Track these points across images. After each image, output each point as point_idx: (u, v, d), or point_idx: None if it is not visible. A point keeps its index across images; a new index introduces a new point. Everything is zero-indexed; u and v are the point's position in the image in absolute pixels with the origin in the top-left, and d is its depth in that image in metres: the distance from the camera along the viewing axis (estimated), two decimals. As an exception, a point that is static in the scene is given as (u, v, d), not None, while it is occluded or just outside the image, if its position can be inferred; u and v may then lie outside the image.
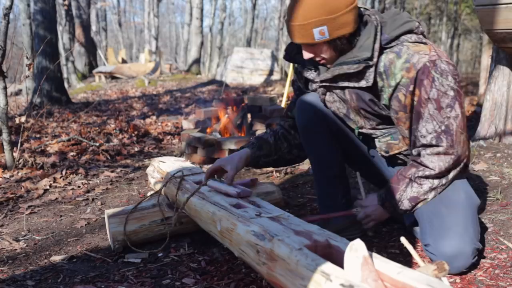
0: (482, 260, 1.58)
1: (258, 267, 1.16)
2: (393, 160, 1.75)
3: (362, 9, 1.56)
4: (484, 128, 3.34)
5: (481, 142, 3.23)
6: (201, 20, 15.88)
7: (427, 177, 1.49)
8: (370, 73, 1.50)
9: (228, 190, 1.60)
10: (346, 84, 1.57)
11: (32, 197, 2.78)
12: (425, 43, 1.49)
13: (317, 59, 1.56)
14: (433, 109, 1.43)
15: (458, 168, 1.50)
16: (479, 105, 5.53)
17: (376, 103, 1.58)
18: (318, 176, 1.84)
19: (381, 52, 1.50)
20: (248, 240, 1.21)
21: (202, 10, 15.85)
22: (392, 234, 1.91)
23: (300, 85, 1.87)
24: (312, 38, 1.46)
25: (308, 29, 1.45)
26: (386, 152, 1.69)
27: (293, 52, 1.72)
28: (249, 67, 12.59)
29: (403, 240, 1.02)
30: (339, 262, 0.92)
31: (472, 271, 1.51)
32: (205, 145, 3.52)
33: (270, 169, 3.25)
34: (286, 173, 3.08)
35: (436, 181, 1.49)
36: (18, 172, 3.25)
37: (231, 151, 3.46)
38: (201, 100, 8.75)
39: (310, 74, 1.71)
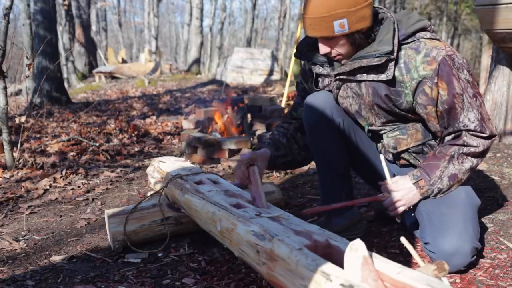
0: (482, 260, 1.59)
1: (258, 267, 1.16)
2: (398, 160, 1.74)
3: (376, 7, 1.59)
4: (484, 128, 3.34)
5: (481, 142, 3.23)
6: (201, 20, 15.88)
7: (471, 154, 1.50)
8: (391, 67, 1.52)
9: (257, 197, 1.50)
10: (365, 77, 1.58)
11: (32, 197, 2.78)
12: (439, 40, 1.54)
13: (333, 54, 1.57)
14: (469, 99, 1.48)
15: (487, 149, 1.54)
16: (479, 105, 5.52)
17: (392, 99, 1.58)
18: (323, 175, 1.83)
19: (399, 48, 1.53)
20: (248, 240, 1.21)
21: (202, 10, 15.85)
22: (392, 234, 1.91)
23: (307, 85, 1.86)
24: (332, 31, 1.48)
25: (328, 21, 1.46)
26: (394, 148, 1.68)
27: (304, 50, 1.73)
28: (249, 67, 12.59)
29: (403, 240, 1.02)
30: (339, 262, 0.92)
31: (472, 271, 1.51)
32: (205, 145, 3.52)
33: (270, 169, 3.25)
34: (286, 173, 3.08)
35: (475, 160, 1.51)
36: (18, 172, 3.25)
37: (231, 151, 3.47)
38: (201, 100, 8.75)
39: (323, 70, 1.71)
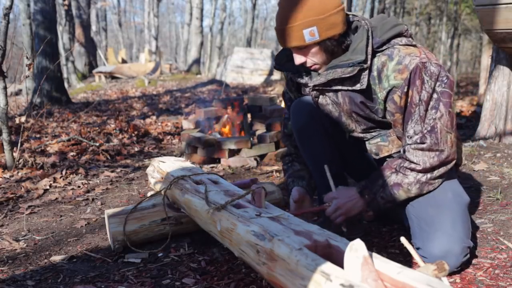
0: (482, 260, 1.59)
1: (258, 267, 1.16)
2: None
3: (351, 15, 1.57)
4: (484, 128, 3.34)
5: (481, 142, 3.23)
6: (201, 20, 15.88)
7: (412, 170, 1.48)
8: (364, 76, 1.51)
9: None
10: (339, 87, 1.57)
11: (32, 197, 2.78)
12: (415, 46, 1.52)
13: (309, 64, 1.56)
14: (422, 111, 1.46)
15: (445, 167, 1.49)
16: (479, 105, 5.52)
17: (368, 106, 1.59)
18: (317, 177, 1.85)
19: (373, 56, 1.51)
20: (248, 240, 1.21)
21: (202, 10, 15.85)
22: (392, 234, 1.91)
23: (292, 95, 1.87)
24: (302, 40, 1.47)
25: (298, 30, 1.46)
26: (376, 154, 1.71)
27: (282, 61, 1.72)
28: (249, 67, 12.59)
29: (403, 240, 1.02)
30: (339, 262, 0.92)
31: (472, 271, 1.51)
32: (205, 145, 3.52)
33: (270, 169, 3.25)
34: (286, 173, 3.08)
35: (420, 175, 1.49)
36: (18, 172, 3.25)
37: (231, 151, 3.47)
38: (201, 100, 8.75)
39: (302, 80, 1.70)
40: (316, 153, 1.78)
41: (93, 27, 19.04)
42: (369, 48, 1.49)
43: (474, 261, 1.59)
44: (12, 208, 2.59)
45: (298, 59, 1.55)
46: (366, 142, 1.73)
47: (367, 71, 1.50)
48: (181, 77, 13.77)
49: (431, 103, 1.45)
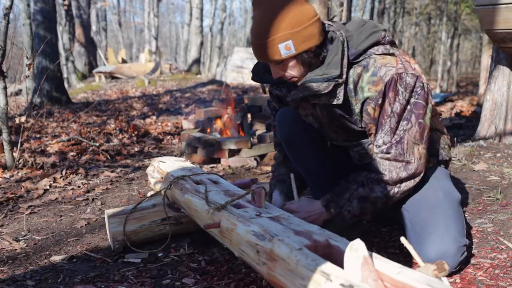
0: (482, 260, 1.59)
1: (258, 267, 1.16)
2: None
3: (326, 24, 1.55)
4: (484, 128, 3.34)
5: (481, 142, 3.23)
6: (201, 20, 15.88)
7: (378, 181, 1.47)
8: (340, 91, 1.49)
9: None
10: (316, 101, 1.55)
11: (32, 197, 2.78)
12: (392, 54, 1.49)
13: (287, 77, 1.53)
14: (394, 122, 1.45)
15: (413, 181, 1.48)
16: (479, 105, 5.53)
17: (347, 118, 1.58)
18: (310, 183, 1.85)
19: (349, 67, 1.49)
20: (248, 240, 1.21)
21: (202, 10, 15.85)
22: (392, 234, 1.91)
23: (275, 104, 1.87)
24: (279, 54, 1.44)
25: (273, 45, 1.43)
26: (359, 161, 1.71)
27: (260, 72, 1.69)
28: (249, 67, 12.57)
29: (403, 240, 1.02)
30: (339, 262, 0.92)
31: (472, 271, 1.51)
32: (205, 145, 3.52)
33: (270, 169, 3.25)
34: (286, 173, 3.08)
35: (388, 189, 1.47)
36: (18, 172, 3.25)
37: (231, 151, 3.47)
38: (201, 100, 8.75)
39: (280, 92, 1.67)
40: (305, 162, 1.79)
41: (93, 27, 19.04)
42: (345, 61, 1.46)
43: (474, 261, 1.59)
44: (12, 208, 2.59)
45: (276, 73, 1.52)
46: (350, 150, 1.74)
47: (342, 86, 1.48)
48: (181, 77, 13.77)
49: (404, 114, 1.44)
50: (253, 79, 1.73)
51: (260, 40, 1.45)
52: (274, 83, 1.67)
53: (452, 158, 2.88)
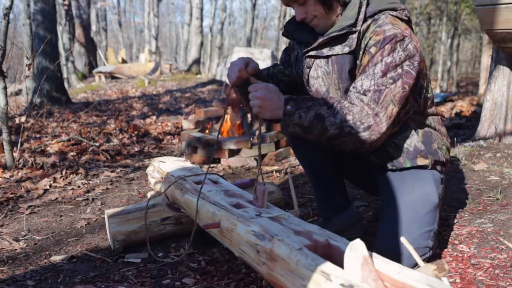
0: (482, 260, 1.59)
1: (258, 267, 1.16)
2: (367, 164, 1.72)
3: None
4: (484, 128, 3.34)
5: (481, 142, 3.23)
6: (201, 20, 15.88)
7: (344, 111, 1.41)
8: (353, 39, 1.50)
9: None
10: (331, 51, 1.55)
11: (32, 197, 2.78)
12: (405, 22, 1.51)
13: (309, 19, 1.57)
14: (378, 70, 1.41)
15: (368, 133, 1.41)
16: (479, 105, 5.53)
17: (355, 75, 1.55)
18: (313, 180, 1.86)
19: (364, 22, 1.52)
20: (248, 240, 1.21)
21: (202, 10, 15.84)
22: (392, 234, 1.90)
23: (289, 58, 1.85)
24: None
25: None
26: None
27: (291, 29, 1.74)
28: (249, 67, 12.57)
29: (403, 240, 1.02)
30: (339, 262, 0.92)
31: (472, 271, 1.52)
32: (205, 145, 3.52)
33: (270, 169, 3.25)
34: (286, 173, 3.08)
35: (346, 124, 1.41)
36: (18, 172, 3.25)
37: (231, 151, 3.47)
38: (201, 100, 8.75)
39: (300, 50, 1.72)
40: (309, 156, 1.79)
41: (93, 27, 19.04)
42: (361, 16, 1.50)
43: (474, 261, 1.59)
44: (12, 208, 2.59)
45: (299, 14, 1.57)
46: None
47: (356, 34, 1.50)
48: (181, 77, 13.77)
49: (391, 73, 1.41)
50: (283, 34, 1.78)
51: None
52: (301, 42, 1.71)
53: (452, 158, 2.88)
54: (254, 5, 22.93)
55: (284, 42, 19.23)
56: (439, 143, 1.62)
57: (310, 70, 1.65)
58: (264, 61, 12.71)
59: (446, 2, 15.78)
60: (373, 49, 1.44)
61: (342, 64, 1.55)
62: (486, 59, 6.02)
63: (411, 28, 1.54)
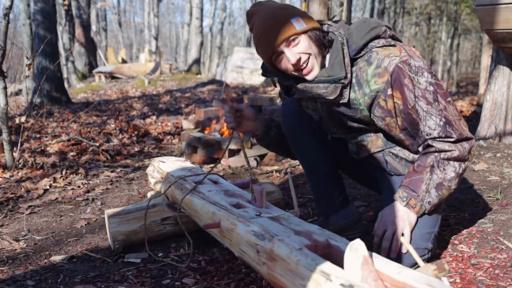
0: (482, 260, 1.59)
1: (258, 267, 1.16)
2: (366, 163, 1.75)
3: (326, 25, 1.56)
4: (484, 128, 3.34)
5: (481, 142, 3.23)
6: (201, 20, 15.88)
7: (451, 158, 1.43)
8: (346, 91, 1.51)
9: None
10: (322, 100, 1.57)
11: (32, 197, 2.78)
12: (393, 45, 1.48)
13: (303, 60, 1.50)
14: (424, 106, 1.42)
15: (471, 148, 1.46)
16: (479, 105, 5.53)
17: (346, 115, 1.58)
18: (311, 177, 1.84)
19: (352, 65, 1.50)
20: (248, 240, 1.21)
21: (202, 10, 15.85)
22: (392, 234, 1.90)
23: (285, 96, 1.86)
24: (294, 28, 1.47)
25: (286, 21, 1.47)
26: (357, 154, 1.70)
27: (268, 68, 1.68)
28: (249, 67, 12.58)
29: (403, 240, 1.02)
30: (339, 262, 0.92)
31: (472, 271, 1.52)
32: (205, 145, 3.52)
33: (270, 169, 3.25)
34: (286, 173, 3.08)
35: (457, 165, 1.44)
36: (18, 172, 3.25)
37: (231, 151, 3.47)
38: (201, 100, 8.75)
39: (288, 82, 1.66)
40: (306, 153, 1.78)
41: (93, 27, 19.04)
42: (347, 60, 1.47)
43: (474, 261, 1.59)
44: (12, 208, 2.59)
45: (292, 56, 1.48)
46: (348, 142, 1.74)
47: (348, 87, 1.49)
48: (181, 77, 13.77)
49: (430, 96, 1.41)
50: (263, 74, 1.76)
51: (272, 21, 1.48)
52: (282, 77, 1.68)
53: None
54: (254, 5, 22.89)
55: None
56: None
57: (301, 101, 1.71)
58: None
59: (446, 2, 15.78)
60: (390, 91, 1.43)
61: (330, 107, 1.60)
62: (486, 59, 6.01)
63: (399, 40, 1.53)
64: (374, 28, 1.48)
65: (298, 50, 1.48)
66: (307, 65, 1.51)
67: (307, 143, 1.76)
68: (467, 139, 1.44)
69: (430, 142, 1.44)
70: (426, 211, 1.46)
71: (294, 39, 1.48)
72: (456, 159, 1.44)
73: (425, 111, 1.42)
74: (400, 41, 1.54)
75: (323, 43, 1.52)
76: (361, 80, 1.48)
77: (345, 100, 1.51)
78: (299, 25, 1.46)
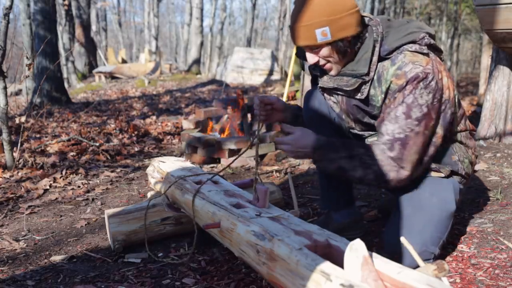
0: (482, 260, 1.59)
1: (258, 267, 1.16)
2: None
3: (367, 18, 1.54)
4: (484, 128, 3.34)
5: (481, 142, 3.23)
6: (201, 20, 15.89)
7: (367, 167, 1.44)
8: (366, 87, 1.50)
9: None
10: (342, 93, 1.59)
11: (32, 197, 2.78)
12: (426, 54, 1.45)
13: (321, 63, 1.54)
14: (401, 112, 1.41)
15: (395, 181, 1.44)
16: (479, 105, 5.53)
17: (363, 110, 1.58)
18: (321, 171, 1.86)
19: (379, 63, 1.50)
20: (248, 240, 1.21)
21: (202, 10, 15.86)
22: (392, 234, 1.90)
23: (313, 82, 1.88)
24: (314, 40, 1.45)
25: (310, 30, 1.44)
26: None
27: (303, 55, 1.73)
28: (249, 67, 12.59)
29: (403, 240, 1.02)
30: (339, 262, 0.92)
31: (472, 271, 1.52)
32: (205, 145, 3.52)
33: (270, 169, 3.25)
34: (286, 173, 3.08)
35: (369, 176, 1.45)
36: (18, 172, 3.25)
37: (231, 151, 3.47)
38: (201, 100, 8.75)
39: (316, 72, 1.72)
40: None
41: (93, 27, 19.04)
42: (374, 58, 1.47)
43: (474, 261, 1.59)
44: (12, 208, 2.59)
45: (311, 58, 1.53)
46: (365, 139, 1.74)
47: (368, 83, 1.49)
48: (181, 77, 13.77)
49: (418, 113, 1.39)
50: (296, 54, 1.77)
51: (297, 24, 1.47)
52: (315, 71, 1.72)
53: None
54: (254, 5, 22.93)
55: (283, 42, 19.21)
56: (462, 156, 1.61)
57: (324, 91, 1.72)
58: (264, 61, 12.71)
59: (446, 2, 15.79)
60: (398, 94, 1.42)
61: (348, 100, 1.61)
62: (486, 59, 6.01)
63: (437, 54, 1.51)
64: (412, 33, 1.46)
65: (316, 57, 1.52)
66: (325, 66, 1.55)
67: (324, 134, 1.76)
68: (400, 169, 1.42)
69: (377, 143, 1.46)
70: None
71: (313, 48, 1.50)
72: (371, 172, 1.44)
73: (396, 116, 1.41)
74: (441, 51, 1.53)
75: (349, 50, 1.50)
76: (382, 78, 1.48)
77: (363, 96, 1.51)
78: (322, 37, 1.44)
